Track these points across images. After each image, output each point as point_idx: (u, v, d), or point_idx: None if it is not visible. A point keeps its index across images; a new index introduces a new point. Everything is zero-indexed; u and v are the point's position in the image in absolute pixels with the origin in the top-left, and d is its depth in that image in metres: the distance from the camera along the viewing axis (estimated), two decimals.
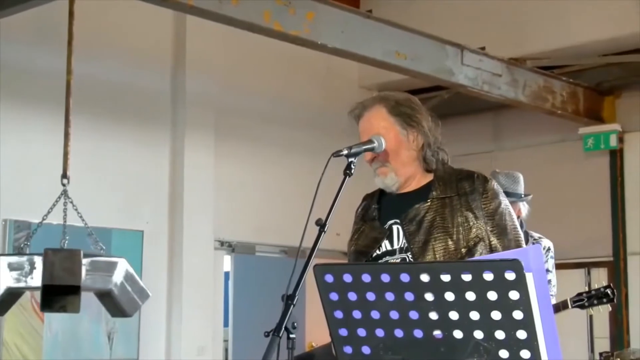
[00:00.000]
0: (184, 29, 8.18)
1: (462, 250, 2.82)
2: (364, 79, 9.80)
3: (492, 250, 2.84)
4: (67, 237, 5.28)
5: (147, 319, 7.72)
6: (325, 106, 9.56)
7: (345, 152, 2.84)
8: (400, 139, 2.96)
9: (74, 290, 4.92)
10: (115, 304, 5.19)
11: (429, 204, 2.92)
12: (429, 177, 2.99)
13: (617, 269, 9.02)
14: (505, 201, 2.93)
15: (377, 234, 2.98)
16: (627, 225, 9.04)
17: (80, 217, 5.43)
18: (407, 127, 2.97)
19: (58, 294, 4.94)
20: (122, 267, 5.16)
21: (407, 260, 2.87)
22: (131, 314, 5.32)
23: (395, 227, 2.95)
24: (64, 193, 5.42)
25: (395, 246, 2.93)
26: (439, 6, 9.11)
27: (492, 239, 2.85)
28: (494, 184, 2.94)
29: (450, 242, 2.83)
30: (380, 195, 3.08)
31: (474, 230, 2.85)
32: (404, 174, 2.97)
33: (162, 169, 8.08)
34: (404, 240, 2.91)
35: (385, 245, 2.95)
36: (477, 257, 2.79)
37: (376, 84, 9.89)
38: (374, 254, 2.96)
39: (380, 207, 3.05)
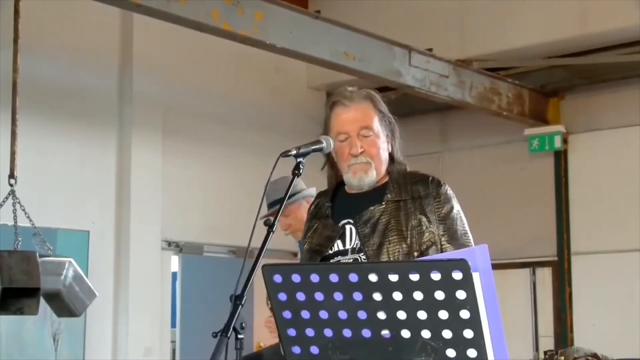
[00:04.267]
0: (131, 27, 8.11)
1: (415, 253, 2.85)
2: (312, 79, 9.82)
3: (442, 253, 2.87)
4: (20, 239, 5.21)
5: (93, 320, 7.64)
6: (273, 106, 9.56)
7: (293, 152, 2.83)
8: (383, 139, 2.99)
9: (32, 292, 4.87)
10: (64, 305, 5.15)
11: (383, 206, 2.93)
12: (384, 179, 3.00)
13: (561, 268, 9.15)
14: (457, 206, 2.95)
15: (331, 232, 2.97)
16: (571, 225, 9.18)
17: (28, 217, 5.36)
18: (387, 129, 3.01)
19: (14, 297, 4.88)
20: (71, 267, 5.12)
21: (360, 261, 2.87)
22: (79, 314, 5.28)
23: (348, 227, 2.95)
24: (12, 193, 5.34)
25: (348, 246, 2.93)
26: (387, 7, 9.16)
27: (443, 243, 2.88)
28: (447, 189, 2.96)
29: (404, 246, 2.85)
30: (333, 194, 3.08)
31: (427, 234, 2.87)
32: (380, 174, 2.98)
33: (108, 168, 8.01)
34: (357, 242, 2.91)
35: (338, 245, 2.95)
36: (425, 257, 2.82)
37: (325, 84, 9.91)
38: (327, 253, 2.96)
39: (334, 205, 3.05)
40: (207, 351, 2.42)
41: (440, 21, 8.92)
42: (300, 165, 2.83)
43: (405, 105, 9.32)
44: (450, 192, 2.96)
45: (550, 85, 9.37)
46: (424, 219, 2.89)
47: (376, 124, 2.96)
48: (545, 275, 9.32)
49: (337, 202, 3.05)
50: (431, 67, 8.01)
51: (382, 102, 3.04)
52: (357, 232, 2.91)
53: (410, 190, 2.94)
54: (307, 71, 9.66)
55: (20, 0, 5.61)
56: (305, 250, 3.04)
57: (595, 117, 9.14)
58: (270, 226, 2.68)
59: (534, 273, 9.37)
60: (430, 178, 2.98)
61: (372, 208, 2.93)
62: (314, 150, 2.91)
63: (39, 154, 7.40)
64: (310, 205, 3.15)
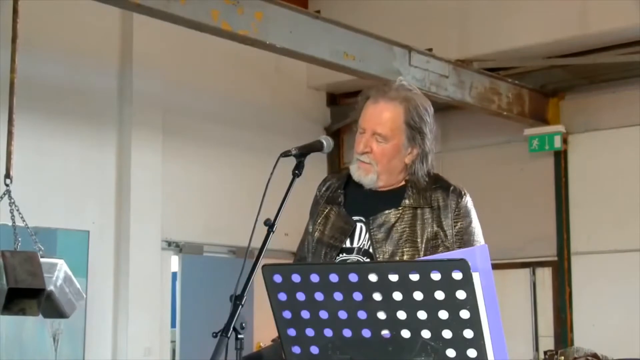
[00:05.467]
0: (131, 27, 8.11)
1: None
2: (312, 79, 9.81)
3: None
4: (20, 239, 5.21)
5: (93, 320, 7.64)
6: (273, 106, 9.56)
7: (294, 152, 2.81)
8: (399, 148, 2.86)
9: (34, 293, 4.87)
10: (55, 305, 5.13)
11: (400, 212, 2.85)
12: (401, 182, 2.92)
13: (561, 268, 9.14)
14: (475, 220, 2.88)
15: (344, 223, 2.90)
16: (571, 225, 9.17)
17: (22, 217, 5.35)
18: (412, 140, 2.87)
19: (16, 297, 4.88)
20: (62, 268, 5.11)
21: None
22: (69, 315, 5.26)
23: (359, 225, 2.88)
24: (8, 193, 5.34)
25: (355, 245, 2.86)
26: (386, 7, 9.16)
27: None
28: (467, 201, 2.87)
29: (416, 258, 2.77)
30: (346, 181, 2.98)
31: (441, 248, 2.80)
32: (384, 180, 2.89)
33: (108, 168, 8.01)
34: (367, 243, 2.84)
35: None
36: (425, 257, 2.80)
37: (324, 84, 9.90)
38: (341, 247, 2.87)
39: (346, 194, 2.96)
40: (207, 351, 2.42)
41: (440, 21, 8.92)
42: (301, 165, 2.82)
43: None
44: (470, 204, 2.88)
45: (550, 85, 9.36)
46: (440, 233, 2.82)
47: (395, 132, 2.85)
48: (545, 275, 9.31)
49: (350, 192, 2.96)
50: (431, 67, 8.00)
51: (423, 109, 2.89)
52: (370, 235, 2.84)
53: (429, 197, 2.86)
54: (307, 71, 9.65)
55: (19, 0, 5.61)
56: (317, 239, 2.94)
57: (595, 117, 9.13)
58: (270, 226, 2.68)
59: (534, 273, 9.36)
60: (452, 187, 2.88)
61: (387, 212, 2.85)
62: (314, 150, 2.90)
63: (39, 154, 7.40)
64: (321, 186, 3.05)
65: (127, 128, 8.06)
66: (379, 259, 2.79)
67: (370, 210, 2.88)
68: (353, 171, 2.92)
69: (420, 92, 3.05)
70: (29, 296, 4.90)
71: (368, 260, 2.82)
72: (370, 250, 2.83)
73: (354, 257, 2.86)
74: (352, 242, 2.88)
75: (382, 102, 2.88)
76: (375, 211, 2.87)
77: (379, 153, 2.86)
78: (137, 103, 8.09)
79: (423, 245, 2.80)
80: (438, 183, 2.91)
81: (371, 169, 2.87)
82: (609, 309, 8.77)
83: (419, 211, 2.85)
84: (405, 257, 2.79)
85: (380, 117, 2.87)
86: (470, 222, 2.86)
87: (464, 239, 2.83)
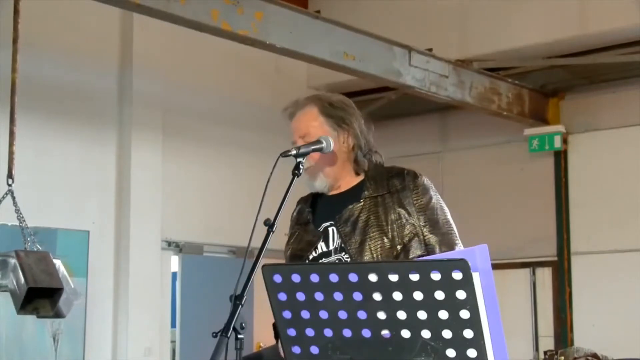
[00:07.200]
0: (131, 27, 8.11)
1: (398, 247, 2.87)
2: (312, 79, 9.81)
3: (426, 244, 2.90)
4: (29, 239, 5.22)
5: (93, 320, 7.64)
6: (273, 106, 9.51)
7: (293, 152, 2.84)
8: (332, 139, 2.97)
9: (49, 292, 4.88)
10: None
11: (362, 203, 2.95)
12: (360, 178, 3.03)
13: (561, 268, 9.14)
14: (436, 196, 2.97)
15: (311, 237, 3.01)
16: (571, 225, 9.18)
17: (22, 217, 5.36)
18: (338, 128, 3.00)
19: (31, 297, 4.89)
20: (60, 268, 5.12)
21: (342, 260, 2.89)
22: (66, 314, 5.28)
23: (330, 229, 2.98)
24: (10, 193, 5.34)
25: (331, 247, 2.96)
26: (386, 7, 9.16)
27: (425, 233, 2.90)
28: (424, 180, 2.98)
29: (385, 240, 2.87)
30: (313, 199, 3.10)
31: (408, 227, 2.89)
32: (332, 175, 3.00)
33: (108, 168, 8.00)
34: (339, 241, 2.93)
35: (321, 247, 2.98)
36: (413, 252, 2.86)
37: (324, 85, 9.88)
38: (310, 257, 2.99)
39: (314, 210, 3.07)
40: (207, 351, 2.42)
41: (440, 21, 8.91)
42: (300, 166, 2.83)
43: (405, 106, 9.34)
44: (427, 182, 2.98)
45: (550, 85, 9.36)
46: (403, 212, 2.90)
47: (317, 128, 2.98)
48: (545, 275, 9.32)
49: (318, 206, 3.08)
50: (431, 67, 8.00)
51: (336, 100, 3.04)
52: (338, 232, 2.94)
53: (387, 184, 2.96)
54: (307, 71, 9.65)
55: (20, 0, 5.61)
56: (288, 256, 3.08)
57: (595, 117, 9.14)
58: (270, 226, 2.68)
59: (534, 273, 9.37)
60: (406, 171, 2.99)
61: (350, 207, 2.96)
62: (314, 150, 2.92)
63: (39, 154, 7.40)
64: (293, 212, 3.17)
65: (127, 128, 8.06)
66: (350, 250, 2.89)
67: (337, 212, 2.98)
68: (306, 184, 3.02)
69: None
70: (41, 296, 4.91)
71: (347, 257, 2.90)
72: (343, 245, 2.92)
73: (332, 258, 2.95)
74: (327, 246, 2.97)
75: (298, 112, 3.05)
76: (341, 211, 2.97)
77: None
78: (137, 103, 8.08)
79: (389, 227, 2.89)
80: (393, 171, 3.01)
81: (314, 171, 2.99)
82: (609, 309, 8.77)
83: (379, 199, 2.95)
84: (373, 242, 2.88)
85: (300, 123, 3.02)
86: (431, 199, 2.95)
87: (427, 214, 2.92)
